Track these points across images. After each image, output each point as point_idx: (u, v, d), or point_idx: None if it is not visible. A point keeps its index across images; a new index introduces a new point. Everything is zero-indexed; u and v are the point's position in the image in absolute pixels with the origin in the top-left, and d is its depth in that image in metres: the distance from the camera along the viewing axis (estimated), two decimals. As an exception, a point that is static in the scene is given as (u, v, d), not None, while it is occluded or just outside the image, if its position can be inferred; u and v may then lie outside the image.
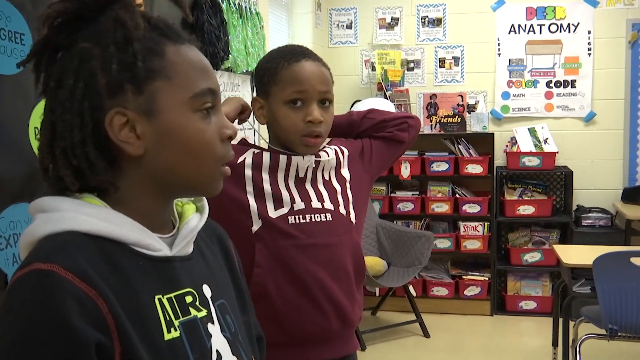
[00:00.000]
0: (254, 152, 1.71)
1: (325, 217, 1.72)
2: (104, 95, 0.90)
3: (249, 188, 1.69)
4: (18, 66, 0.96)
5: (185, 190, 1.00)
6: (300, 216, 1.70)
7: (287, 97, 1.66)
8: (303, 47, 1.74)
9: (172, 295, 0.94)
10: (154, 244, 0.94)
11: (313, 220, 1.70)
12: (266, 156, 1.70)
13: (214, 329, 0.99)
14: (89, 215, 0.89)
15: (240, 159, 1.70)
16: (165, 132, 0.93)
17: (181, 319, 0.93)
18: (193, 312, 0.96)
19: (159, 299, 0.91)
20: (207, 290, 1.02)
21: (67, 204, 0.90)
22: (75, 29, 0.93)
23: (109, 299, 0.83)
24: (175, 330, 0.91)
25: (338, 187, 1.77)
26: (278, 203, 1.69)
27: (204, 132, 0.96)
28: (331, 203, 1.74)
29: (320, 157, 1.74)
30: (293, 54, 1.69)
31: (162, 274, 0.94)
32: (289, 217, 1.69)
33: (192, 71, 0.95)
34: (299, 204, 1.70)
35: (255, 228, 1.67)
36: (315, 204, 1.72)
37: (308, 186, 1.73)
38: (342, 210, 1.75)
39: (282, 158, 1.69)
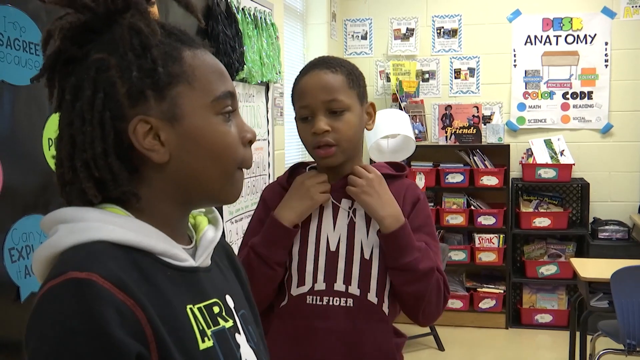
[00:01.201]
0: None
1: (346, 302, 1.59)
2: (124, 103, 0.88)
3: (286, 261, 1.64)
4: (32, 81, 0.94)
5: (206, 196, 0.97)
6: (318, 297, 1.61)
7: (297, 113, 1.64)
8: (320, 58, 1.70)
9: (201, 305, 0.92)
10: (180, 254, 0.93)
11: (331, 303, 1.60)
12: (298, 233, 1.63)
13: (241, 339, 0.98)
14: (116, 225, 0.87)
15: None
16: (190, 136, 0.91)
17: (213, 328, 0.92)
18: (221, 322, 0.95)
19: (190, 309, 0.90)
20: (230, 300, 1.01)
21: (92, 213, 0.88)
22: (87, 40, 0.91)
23: (147, 308, 0.81)
24: (209, 339, 0.90)
25: (375, 271, 1.61)
26: (301, 280, 1.62)
27: (227, 135, 0.95)
28: (358, 288, 1.60)
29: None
30: (306, 67, 1.66)
31: (189, 285, 0.92)
32: (308, 297, 1.61)
33: (211, 75, 0.94)
34: (320, 284, 1.60)
35: (282, 304, 1.64)
36: (339, 286, 1.60)
37: (340, 264, 1.61)
38: (371, 297, 1.60)
39: (312, 234, 1.62)
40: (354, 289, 1.60)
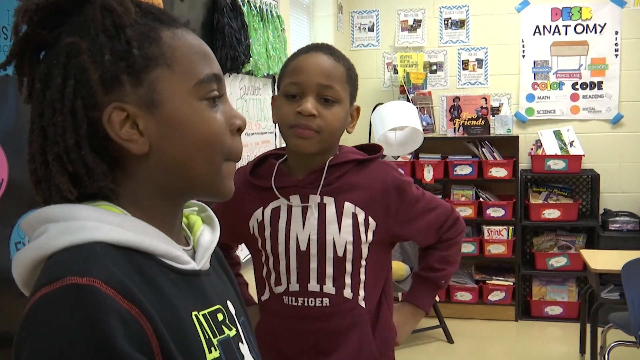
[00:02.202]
0: (257, 219, 1.61)
1: (322, 302, 1.55)
2: (98, 90, 0.80)
3: (263, 259, 1.62)
4: None
5: (196, 189, 0.89)
6: (294, 298, 1.57)
7: (284, 88, 1.54)
8: (324, 43, 1.62)
9: (206, 311, 0.86)
10: (183, 256, 0.85)
11: (306, 304, 1.56)
12: (267, 232, 1.60)
13: (245, 349, 0.92)
14: (112, 224, 0.79)
15: (252, 229, 1.63)
16: (171, 124, 0.83)
17: (218, 337, 0.85)
18: (226, 330, 0.88)
19: (196, 316, 0.83)
20: (231, 307, 0.94)
21: (86, 211, 0.79)
22: (58, 23, 0.84)
23: (152, 317, 0.73)
24: (215, 349, 0.83)
25: (350, 268, 1.57)
26: (278, 278, 1.59)
27: (213, 122, 0.86)
28: (333, 286, 1.56)
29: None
30: (308, 47, 1.59)
31: (193, 289, 0.85)
32: (284, 297, 1.58)
33: (193, 56, 0.86)
34: (294, 285, 1.57)
35: (264, 297, 1.63)
36: (313, 286, 1.56)
37: (313, 263, 1.55)
38: (347, 293, 1.57)
39: (281, 234, 1.57)
40: (328, 288, 1.56)
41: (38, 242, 0.78)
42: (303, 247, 1.56)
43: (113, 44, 0.81)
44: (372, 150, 1.68)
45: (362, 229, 1.57)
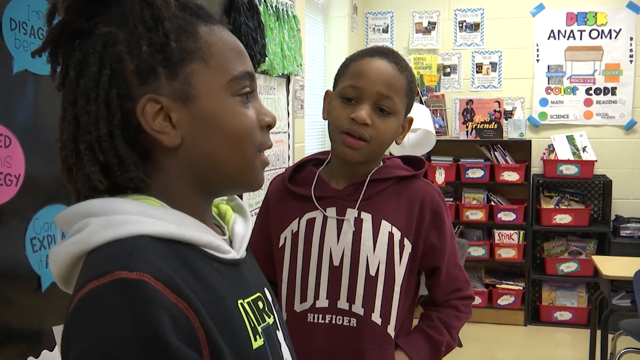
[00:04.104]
0: (292, 231, 1.56)
1: (349, 321, 1.49)
2: (133, 81, 0.80)
3: (285, 274, 1.56)
4: (33, 55, 0.86)
5: (227, 183, 0.89)
6: (320, 315, 1.51)
7: (342, 90, 1.50)
8: (390, 49, 1.56)
9: (249, 299, 0.86)
10: (224, 245, 0.86)
11: (333, 322, 1.50)
12: (300, 245, 1.54)
13: (280, 336, 0.93)
14: (155, 217, 0.79)
15: (282, 241, 1.57)
16: (204, 118, 0.84)
17: (262, 325, 0.86)
18: (266, 318, 0.89)
19: (241, 304, 0.84)
20: (268, 294, 0.95)
21: (128, 205, 0.79)
22: (95, 13, 0.83)
23: (199, 311, 0.73)
24: (260, 337, 0.84)
25: (381, 290, 1.51)
26: (303, 296, 1.53)
27: (245, 117, 0.87)
28: (362, 307, 1.50)
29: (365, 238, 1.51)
30: (373, 50, 1.53)
31: (235, 278, 0.86)
32: (309, 314, 1.52)
33: (228, 53, 0.86)
34: (322, 301, 1.51)
35: None
36: (342, 304, 1.50)
37: (344, 278, 1.50)
38: (375, 318, 1.50)
39: (314, 246, 1.52)
40: (357, 308, 1.50)
41: (79, 237, 0.78)
42: (336, 262, 1.51)
43: (151, 36, 0.81)
44: (416, 163, 1.64)
45: (397, 249, 1.52)
